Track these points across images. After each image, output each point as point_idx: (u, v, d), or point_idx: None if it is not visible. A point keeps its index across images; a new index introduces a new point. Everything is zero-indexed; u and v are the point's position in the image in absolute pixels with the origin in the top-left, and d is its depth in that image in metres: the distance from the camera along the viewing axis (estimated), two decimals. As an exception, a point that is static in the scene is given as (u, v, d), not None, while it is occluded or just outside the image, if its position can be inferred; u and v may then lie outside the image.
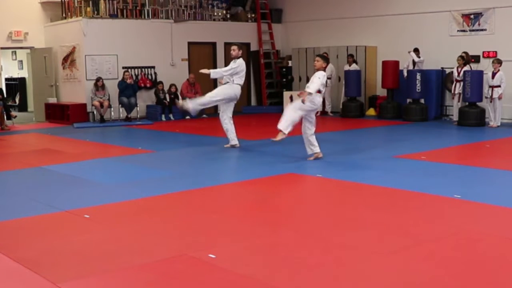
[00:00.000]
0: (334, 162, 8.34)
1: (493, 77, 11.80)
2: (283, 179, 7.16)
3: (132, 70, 14.43)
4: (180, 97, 14.52)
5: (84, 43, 13.92)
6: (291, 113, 8.11)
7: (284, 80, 16.35)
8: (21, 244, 4.71)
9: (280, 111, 15.14)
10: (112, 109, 14.02)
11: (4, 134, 12.39)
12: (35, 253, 4.44)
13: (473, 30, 13.03)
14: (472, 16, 13.02)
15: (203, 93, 15.01)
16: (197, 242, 4.64)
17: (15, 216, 5.54)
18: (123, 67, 14.29)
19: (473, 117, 12.02)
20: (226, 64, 16.14)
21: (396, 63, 13.64)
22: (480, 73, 12.07)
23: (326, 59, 8.55)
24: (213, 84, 16.13)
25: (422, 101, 13.33)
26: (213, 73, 9.56)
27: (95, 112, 13.90)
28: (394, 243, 4.58)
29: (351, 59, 14.43)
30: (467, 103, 12.23)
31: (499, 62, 11.82)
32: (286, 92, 15.66)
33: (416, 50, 13.18)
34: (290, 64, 16.40)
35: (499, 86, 11.77)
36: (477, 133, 11.14)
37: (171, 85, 14.49)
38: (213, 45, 16.06)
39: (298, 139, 10.59)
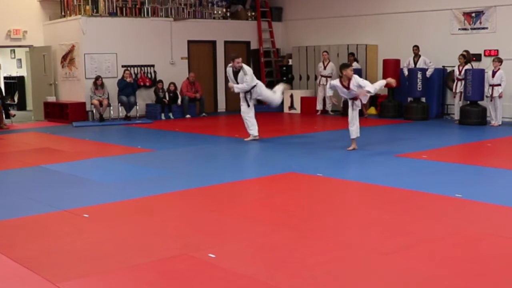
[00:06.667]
0: (334, 161, 8.31)
1: (493, 75, 11.76)
2: (283, 178, 7.13)
3: (132, 68, 14.39)
4: (180, 96, 14.51)
5: (83, 41, 13.88)
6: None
7: (285, 78, 16.29)
8: (20, 243, 4.68)
9: (281, 110, 15.21)
10: (111, 108, 13.98)
11: (3, 133, 12.37)
12: (34, 253, 4.41)
13: (474, 29, 12.99)
14: (473, 15, 12.97)
15: (203, 92, 15.07)
16: (197, 242, 4.61)
17: (14, 216, 5.51)
18: (123, 66, 14.25)
19: (475, 116, 11.98)
20: (226, 63, 16.23)
21: (397, 61, 13.60)
22: (482, 72, 12.03)
23: None
24: (213, 84, 16.16)
25: (423, 100, 13.30)
26: None
27: (94, 111, 13.86)
28: (394, 243, 4.55)
29: (352, 57, 14.39)
30: (468, 102, 12.20)
31: (500, 60, 11.78)
32: (287, 91, 15.61)
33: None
34: (290, 63, 16.36)
35: (499, 84, 11.73)
36: (479, 132, 11.11)
37: (170, 84, 14.46)
38: (213, 43, 16.03)
39: (297, 138, 10.57)
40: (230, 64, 10.24)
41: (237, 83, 10.04)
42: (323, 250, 4.42)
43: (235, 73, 10.06)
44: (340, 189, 6.62)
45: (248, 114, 10.15)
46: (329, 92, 9.69)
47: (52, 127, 13.21)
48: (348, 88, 8.73)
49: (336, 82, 8.96)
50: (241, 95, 10.20)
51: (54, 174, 7.58)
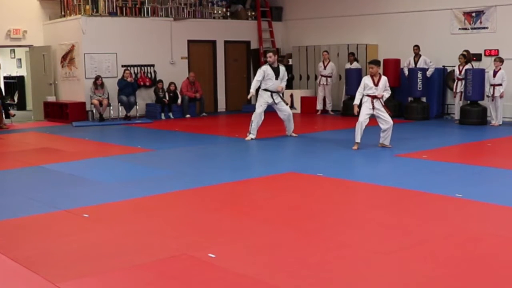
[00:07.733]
0: (334, 160, 8.31)
1: (494, 75, 11.76)
2: (283, 178, 7.12)
3: (132, 68, 14.38)
4: (180, 96, 14.51)
5: (83, 41, 13.87)
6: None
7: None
8: (20, 243, 4.68)
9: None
10: (111, 107, 13.97)
11: (3, 133, 12.36)
12: (34, 253, 4.41)
13: (474, 28, 12.98)
14: (473, 14, 12.97)
15: (203, 91, 15.07)
16: (197, 242, 4.61)
17: (14, 216, 5.51)
18: (122, 66, 14.24)
19: (475, 115, 11.98)
20: (226, 62, 16.26)
21: (397, 61, 13.60)
22: (482, 72, 12.03)
23: None
24: (213, 83, 16.14)
25: (424, 99, 13.29)
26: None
27: (94, 111, 13.85)
28: (394, 243, 4.55)
29: (352, 57, 14.39)
30: (468, 102, 12.19)
31: (501, 60, 11.78)
32: (287, 90, 15.59)
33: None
34: (290, 63, 16.34)
35: (501, 84, 11.73)
36: (479, 131, 11.10)
37: (170, 84, 14.45)
38: (213, 43, 16.02)
39: (297, 138, 10.56)
40: (267, 63, 10.44)
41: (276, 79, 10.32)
42: (323, 250, 4.42)
43: (275, 70, 10.34)
44: (340, 189, 6.62)
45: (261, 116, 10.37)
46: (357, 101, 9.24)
47: (52, 127, 13.20)
48: (376, 85, 8.91)
49: (366, 79, 8.99)
50: (266, 96, 10.31)
51: (54, 174, 7.58)
